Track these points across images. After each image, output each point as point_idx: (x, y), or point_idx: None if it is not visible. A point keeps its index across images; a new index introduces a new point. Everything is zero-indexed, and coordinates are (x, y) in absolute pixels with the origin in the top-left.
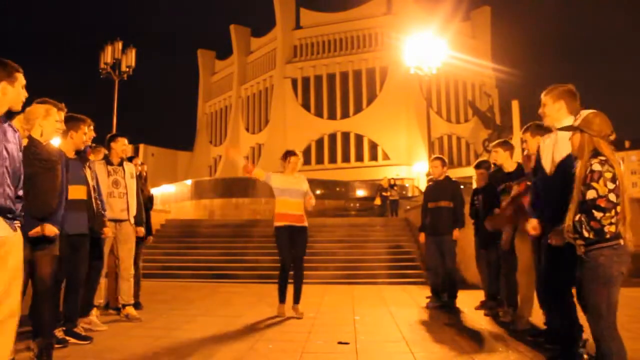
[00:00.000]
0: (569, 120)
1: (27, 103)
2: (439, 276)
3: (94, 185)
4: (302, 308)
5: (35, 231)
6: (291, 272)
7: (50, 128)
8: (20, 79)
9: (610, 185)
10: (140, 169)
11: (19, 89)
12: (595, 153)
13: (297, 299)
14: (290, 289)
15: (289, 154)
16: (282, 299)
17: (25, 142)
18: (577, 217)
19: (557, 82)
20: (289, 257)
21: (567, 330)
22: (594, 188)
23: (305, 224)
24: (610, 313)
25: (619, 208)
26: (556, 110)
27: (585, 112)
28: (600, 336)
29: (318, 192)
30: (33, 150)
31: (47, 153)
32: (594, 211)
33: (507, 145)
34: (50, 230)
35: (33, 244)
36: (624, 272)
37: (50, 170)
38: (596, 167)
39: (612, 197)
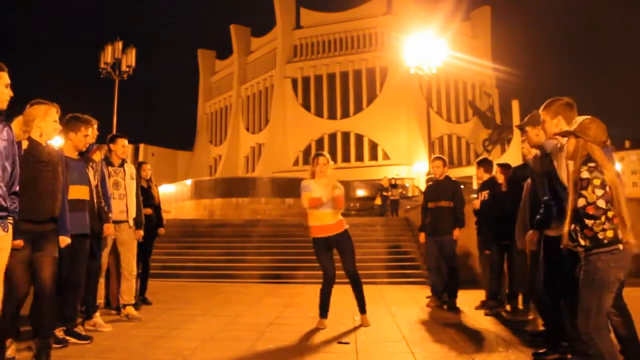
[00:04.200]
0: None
1: (25, 104)
2: (440, 276)
3: (97, 186)
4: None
5: (16, 244)
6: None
7: (49, 128)
8: (4, 77)
9: (599, 192)
10: (150, 174)
11: (2, 87)
12: (587, 159)
13: (362, 309)
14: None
15: (315, 155)
16: (322, 313)
17: (25, 144)
18: (572, 227)
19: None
20: (331, 268)
21: (558, 328)
22: (583, 196)
23: (345, 227)
24: (600, 316)
25: (610, 213)
26: (554, 126)
27: (581, 118)
28: (589, 338)
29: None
30: (34, 153)
31: (47, 154)
32: (585, 219)
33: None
34: (64, 241)
35: (32, 244)
36: (621, 277)
37: (51, 172)
38: (584, 174)
39: (600, 203)
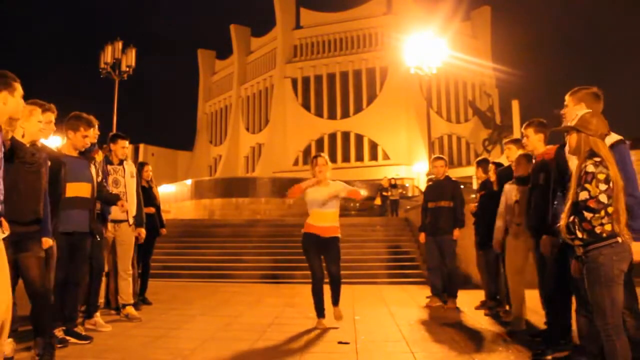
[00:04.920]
0: None
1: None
2: (440, 276)
3: (99, 183)
4: (306, 310)
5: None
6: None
7: (33, 129)
8: (19, 89)
9: (602, 187)
10: (151, 175)
11: (18, 98)
12: (591, 153)
13: (335, 301)
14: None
15: (314, 157)
16: (319, 313)
17: (7, 144)
18: (570, 219)
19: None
20: (319, 267)
21: (559, 328)
22: (586, 189)
23: (337, 234)
24: (615, 312)
25: (610, 209)
26: (575, 112)
27: (581, 112)
28: (607, 335)
29: None
30: (17, 153)
31: (30, 154)
32: (584, 212)
33: (541, 127)
34: (46, 242)
35: (16, 245)
36: (624, 269)
37: (34, 172)
38: (590, 168)
39: (602, 198)
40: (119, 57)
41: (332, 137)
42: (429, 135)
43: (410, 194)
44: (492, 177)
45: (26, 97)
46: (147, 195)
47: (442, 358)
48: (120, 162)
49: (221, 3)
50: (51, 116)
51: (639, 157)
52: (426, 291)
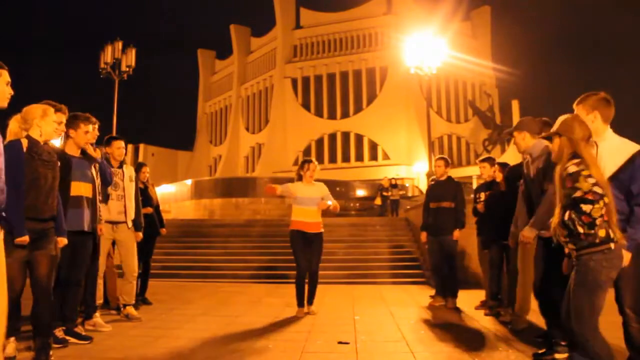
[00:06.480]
0: (608, 131)
1: (25, 104)
2: (441, 276)
3: (99, 185)
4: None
5: (23, 239)
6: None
7: (49, 128)
8: (5, 75)
9: (591, 180)
10: (148, 176)
11: (3, 85)
12: (573, 156)
13: (310, 300)
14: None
15: (305, 162)
16: (299, 303)
17: (25, 142)
18: (567, 216)
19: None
20: (305, 262)
21: (558, 329)
22: (577, 188)
23: (321, 230)
24: (592, 316)
25: (606, 199)
26: (590, 121)
27: (562, 117)
28: (583, 338)
29: None
30: (35, 150)
31: (47, 153)
32: (582, 205)
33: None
34: (62, 242)
35: (33, 243)
36: (613, 277)
37: (51, 170)
38: (572, 168)
39: (597, 189)
40: (119, 57)
41: (332, 137)
42: (429, 135)
43: (410, 194)
44: (498, 177)
45: (28, 97)
46: (143, 195)
47: (443, 358)
48: (120, 166)
49: (221, 3)
50: (62, 117)
51: None
52: (426, 291)
